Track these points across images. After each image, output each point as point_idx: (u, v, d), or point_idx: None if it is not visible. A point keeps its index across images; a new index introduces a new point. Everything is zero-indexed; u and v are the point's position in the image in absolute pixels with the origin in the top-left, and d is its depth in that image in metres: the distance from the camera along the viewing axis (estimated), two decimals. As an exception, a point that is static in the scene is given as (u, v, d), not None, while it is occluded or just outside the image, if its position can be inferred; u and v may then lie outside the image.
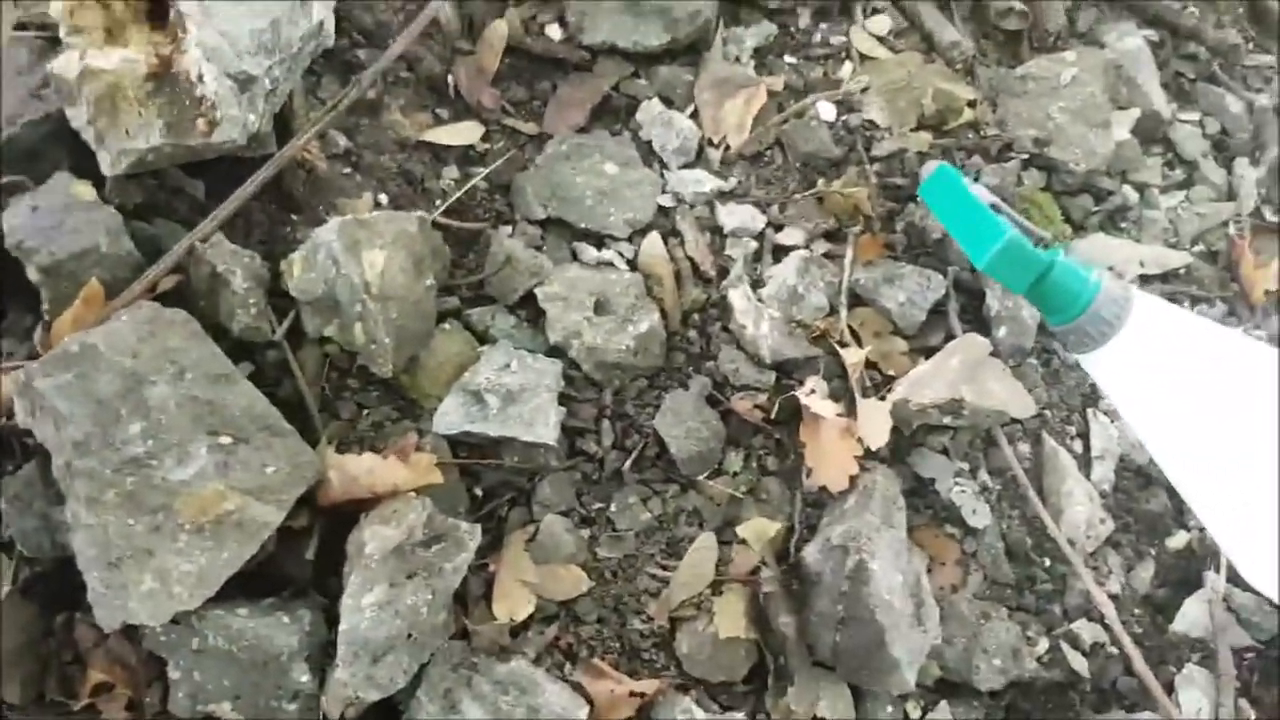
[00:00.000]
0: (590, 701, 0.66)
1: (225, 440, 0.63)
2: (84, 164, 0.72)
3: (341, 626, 0.62)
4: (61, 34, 0.72)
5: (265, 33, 0.72)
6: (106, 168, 0.71)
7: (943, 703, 0.73)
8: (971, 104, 0.91)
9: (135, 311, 0.65)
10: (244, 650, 0.62)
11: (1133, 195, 0.94)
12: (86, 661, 0.64)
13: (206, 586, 0.61)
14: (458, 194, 0.79)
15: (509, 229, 0.80)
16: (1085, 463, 0.82)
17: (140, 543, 0.60)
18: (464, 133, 0.82)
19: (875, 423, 0.73)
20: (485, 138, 0.83)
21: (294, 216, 0.75)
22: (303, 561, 0.66)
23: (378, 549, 0.63)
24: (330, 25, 0.76)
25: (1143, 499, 0.82)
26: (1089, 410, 0.84)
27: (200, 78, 0.70)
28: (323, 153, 0.77)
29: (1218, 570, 0.81)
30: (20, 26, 0.79)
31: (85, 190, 0.71)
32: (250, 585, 0.63)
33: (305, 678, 0.62)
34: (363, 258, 0.70)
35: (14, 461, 0.66)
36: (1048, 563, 0.78)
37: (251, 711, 0.62)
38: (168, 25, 0.73)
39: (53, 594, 0.64)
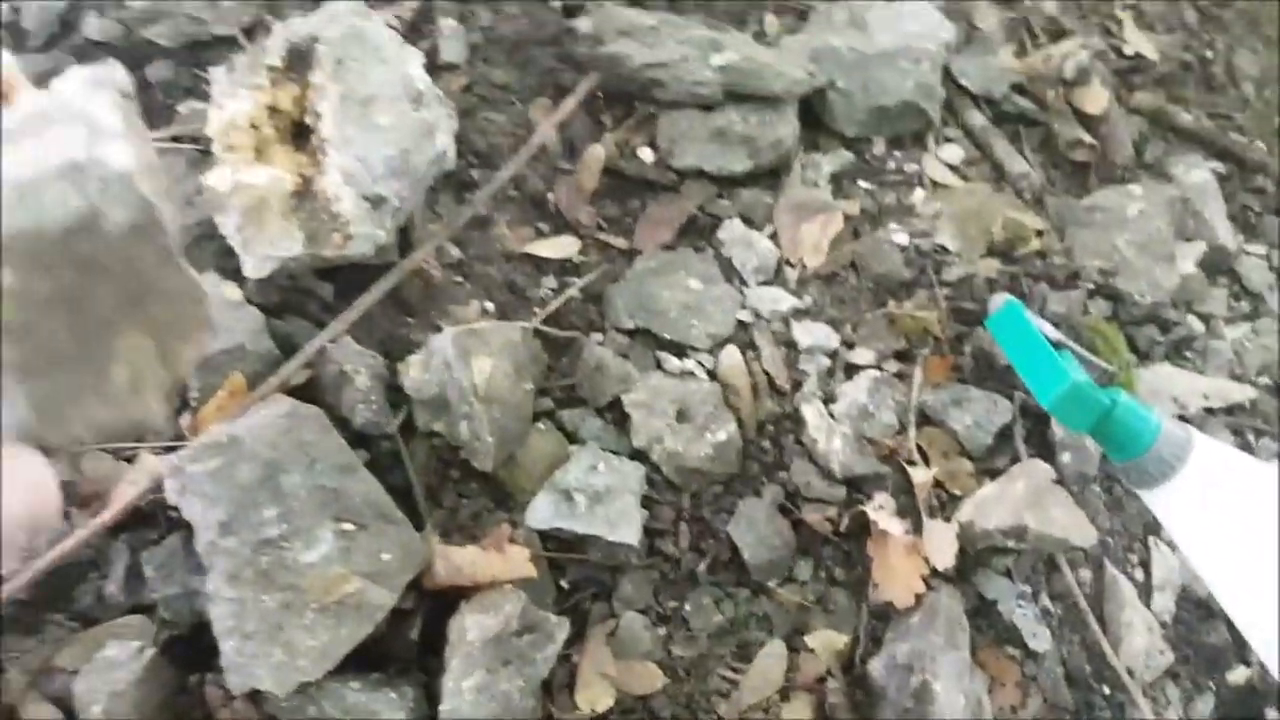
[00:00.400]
0: (662, 793, 0.76)
1: (348, 527, 0.75)
2: (226, 264, 0.86)
3: (443, 707, 0.72)
4: (215, 150, 0.87)
5: (396, 159, 0.85)
6: (249, 271, 0.85)
7: (999, 819, 0.81)
8: (1039, 233, 1.02)
9: (275, 405, 0.78)
10: (358, 718, 0.72)
11: (1198, 326, 1.03)
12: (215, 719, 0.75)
13: (327, 661, 0.72)
14: (555, 303, 0.92)
15: (600, 337, 0.92)
16: (1146, 591, 0.90)
17: (272, 618, 0.71)
18: (562, 246, 0.95)
19: (942, 543, 0.83)
20: (581, 251, 0.95)
21: (410, 319, 0.88)
22: (407, 641, 0.76)
23: (479, 637, 0.73)
24: (451, 152, 0.89)
25: (1203, 631, 0.90)
26: (1150, 539, 0.92)
27: (338, 197, 0.83)
28: (438, 262, 0.90)
29: (1278, 709, 0.88)
30: (175, 139, 0.94)
31: (233, 291, 0.84)
32: (360, 660, 0.74)
33: (407, 750, 0.72)
34: (473, 364, 0.83)
35: (159, 532, 0.78)
36: (1106, 690, 0.86)
37: (355, 780, 0.72)
38: (308, 148, 0.87)
39: (187, 655, 0.75)
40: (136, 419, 0.27)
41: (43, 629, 0.80)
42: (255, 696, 0.74)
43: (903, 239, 0.99)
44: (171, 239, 0.27)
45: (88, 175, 0.24)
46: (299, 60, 0.88)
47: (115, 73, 0.29)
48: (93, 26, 0.96)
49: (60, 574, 0.79)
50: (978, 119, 1.07)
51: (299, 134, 0.90)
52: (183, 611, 0.77)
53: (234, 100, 0.86)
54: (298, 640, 0.72)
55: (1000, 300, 0.86)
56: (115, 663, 0.75)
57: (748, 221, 0.99)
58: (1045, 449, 0.92)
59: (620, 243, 0.97)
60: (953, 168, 1.05)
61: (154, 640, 0.75)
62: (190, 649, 0.76)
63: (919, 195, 1.02)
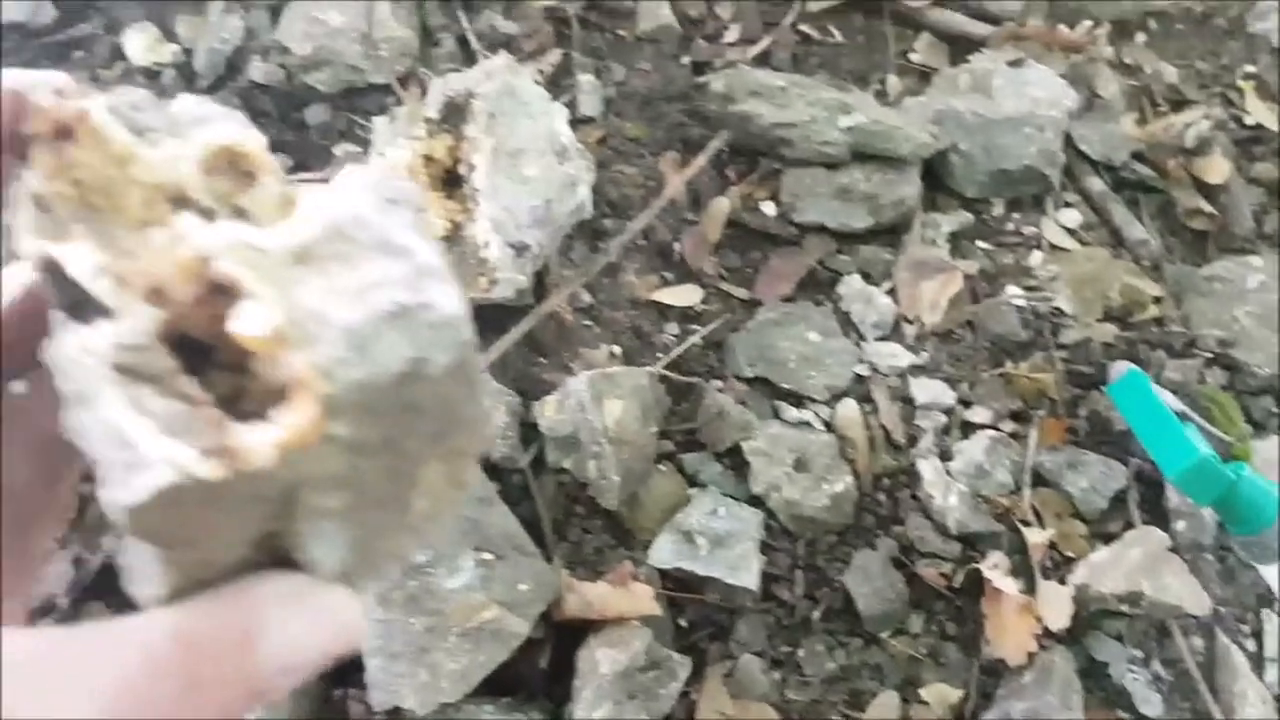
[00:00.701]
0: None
1: (487, 556, 0.81)
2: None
3: (572, 733, 0.77)
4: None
5: (540, 209, 0.92)
6: (397, 308, 0.92)
7: None
8: (1157, 300, 1.05)
9: (423, 438, 0.84)
10: (486, 742, 0.78)
11: (1315, 399, 1.05)
12: (352, 735, 0.81)
13: (466, 684, 0.78)
14: (678, 350, 0.97)
15: (720, 384, 0.97)
16: (1258, 663, 0.91)
17: (418, 640, 0.77)
18: (685, 295, 1.01)
19: (1057, 604, 0.86)
20: (704, 300, 1.01)
21: (542, 360, 0.95)
22: (537, 669, 0.82)
23: (610, 670, 0.78)
24: (589, 203, 0.96)
25: (1318, 707, 0.91)
26: (1263, 611, 0.94)
27: (486, 244, 0.90)
28: (570, 307, 0.96)
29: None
30: (331, 179, 1.02)
31: (383, 328, 0.92)
32: (493, 685, 0.80)
33: (536, 772, 0.78)
34: (604, 406, 0.89)
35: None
36: (1218, 759, 0.88)
37: (486, 799, 0.78)
38: (458, 195, 0.95)
39: (329, 672, 0.82)
40: (429, 544, 0.28)
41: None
42: (395, 714, 0.80)
43: (1020, 300, 1.03)
44: (479, 371, 0.25)
45: (418, 322, 0.23)
46: (454, 113, 0.95)
47: (405, 187, 0.26)
48: (257, 71, 1.05)
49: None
50: (1097, 185, 1.10)
51: (449, 181, 0.97)
52: (328, 628, 0.84)
53: (394, 148, 0.94)
54: (440, 662, 0.78)
55: (1123, 368, 0.90)
56: (267, 673, 0.81)
57: (867, 277, 1.03)
58: (1159, 516, 0.94)
59: (741, 293, 1.02)
60: (1071, 232, 1.08)
61: (304, 653, 0.82)
62: (334, 665, 0.83)
63: (1037, 258, 1.06)
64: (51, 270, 0.24)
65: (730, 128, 1.03)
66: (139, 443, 0.22)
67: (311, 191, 0.26)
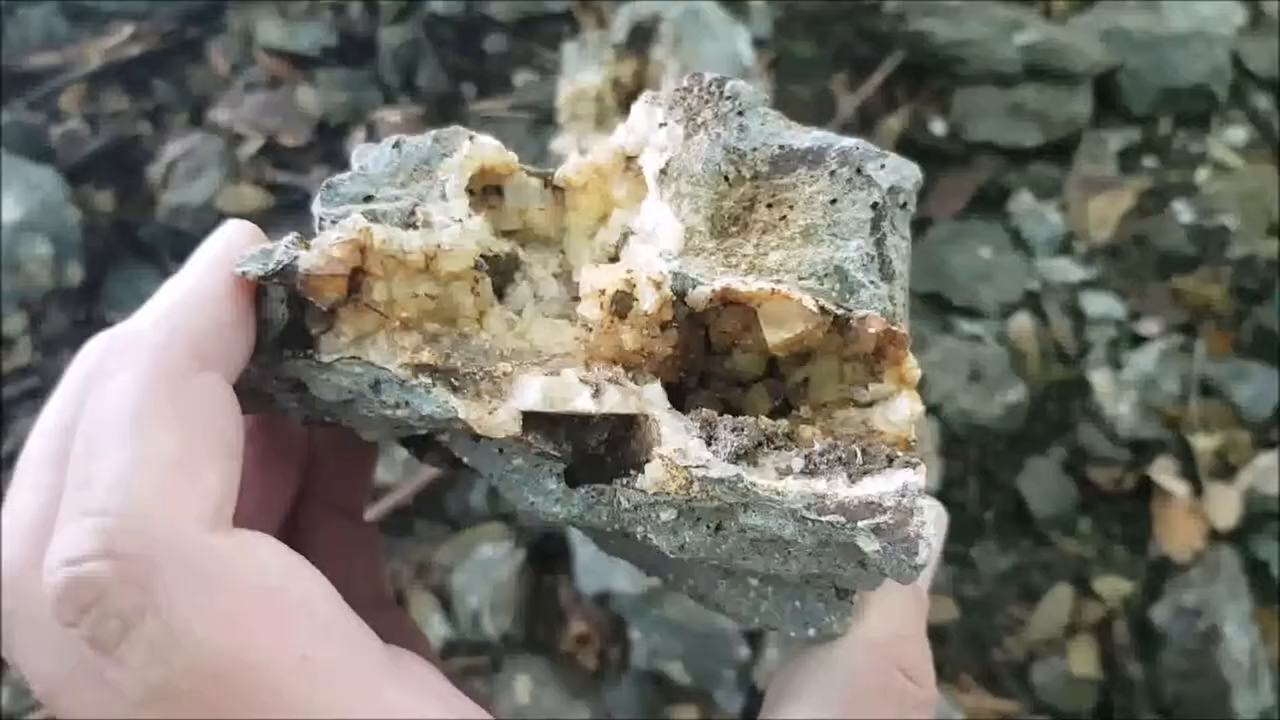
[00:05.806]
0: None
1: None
2: (563, 221, 1.03)
3: (777, 615, 0.88)
4: (560, 119, 1.04)
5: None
6: (589, 228, 1.01)
7: (1267, 762, 0.92)
8: (1324, 215, 1.10)
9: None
10: (696, 623, 0.89)
11: None
12: (567, 616, 0.93)
13: (678, 569, 0.89)
14: (852, 266, 1.05)
15: (891, 299, 1.05)
16: None
17: (637, 529, 0.89)
18: (857, 213, 1.08)
19: (1224, 505, 0.94)
20: (874, 218, 1.08)
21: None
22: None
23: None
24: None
25: None
26: None
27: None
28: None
29: None
30: (514, 108, 1.11)
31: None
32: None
33: (745, 651, 0.89)
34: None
35: (523, 454, 0.97)
36: (1378, 653, 0.96)
37: (697, 673, 0.89)
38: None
39: (539, 559, 0.94)
40: None
41: (416, 531, 1.00)
42: (601, 598, 0.92)
43: (1187, 216, 1.08)
44: None
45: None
46: (640, 37, 1.03)
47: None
48: (438, 3, 1.13)
49: (435, 487, 0.98)
50: (1262, 102, 1.14)
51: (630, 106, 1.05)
52: (536, 522, 0.95)
53: (583, 74, 1.02)
54: (655, 550, 0.89)
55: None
56: (492, 561, 0.94)
57: (1037, 194, 1.10)
58: (1324, 426, 1.01)
59: (911, 212, 1.09)
60: (1236, 149, 1.13)
61: (515, 544, 0.94)
62: (540, 553, 0.95)
63: (1202, 174, 1.11)
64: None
65: (904, 46, 1.09)
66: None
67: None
